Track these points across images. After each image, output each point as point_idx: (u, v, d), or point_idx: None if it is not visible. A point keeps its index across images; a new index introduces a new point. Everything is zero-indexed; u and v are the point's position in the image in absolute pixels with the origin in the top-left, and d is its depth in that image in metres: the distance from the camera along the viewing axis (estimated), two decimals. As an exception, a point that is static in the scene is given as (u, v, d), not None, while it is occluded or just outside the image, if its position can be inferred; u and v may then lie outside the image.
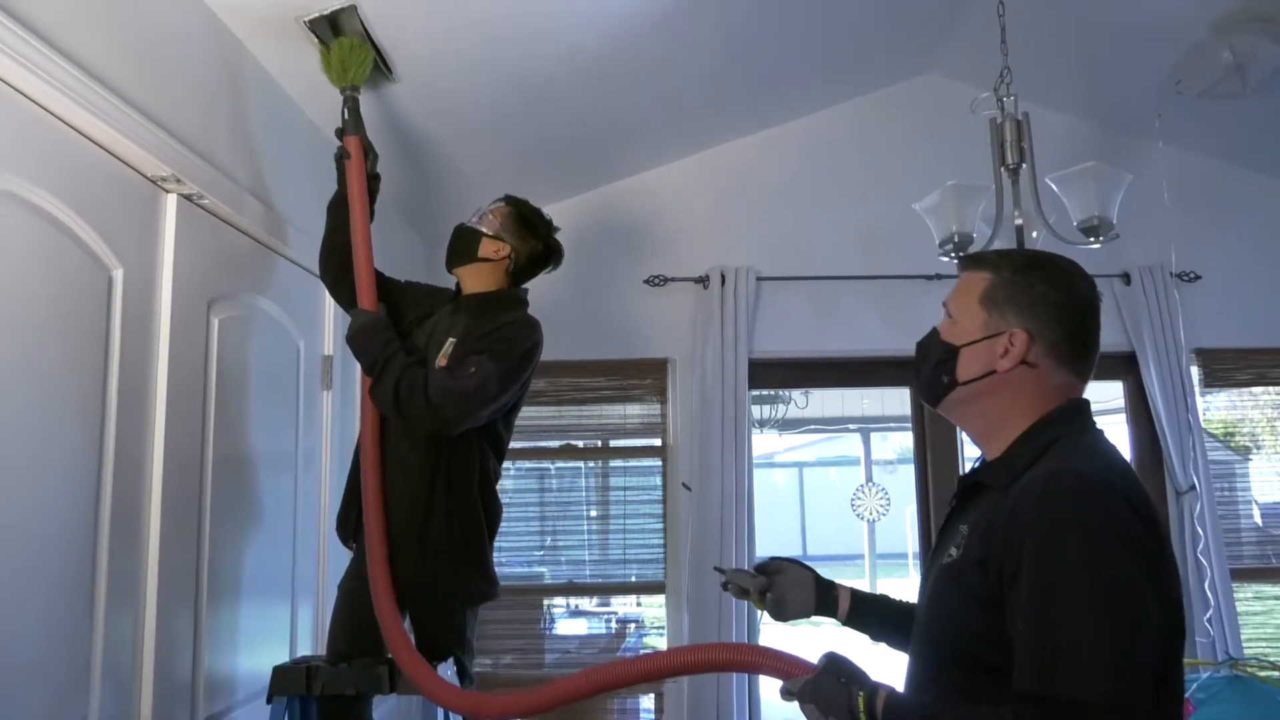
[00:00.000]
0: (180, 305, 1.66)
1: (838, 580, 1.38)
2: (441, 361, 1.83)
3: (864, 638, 1.35)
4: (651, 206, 3.50)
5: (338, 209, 2.02)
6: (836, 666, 1.05)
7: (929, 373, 1.19)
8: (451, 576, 1.80)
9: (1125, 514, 0.97)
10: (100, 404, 1.44)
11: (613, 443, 3.53)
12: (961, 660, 1.04)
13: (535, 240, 1.98)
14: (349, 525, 1.91)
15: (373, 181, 2.04)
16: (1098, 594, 0.91)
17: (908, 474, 3.71)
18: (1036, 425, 1.11)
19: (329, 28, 2.02)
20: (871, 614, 1.33)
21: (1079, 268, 1.17)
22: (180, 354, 1.66)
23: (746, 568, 1.40)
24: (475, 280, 1.98)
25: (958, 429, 3.57)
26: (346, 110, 2.00)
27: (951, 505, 1.18)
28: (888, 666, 1.20)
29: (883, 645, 1.33)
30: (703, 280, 3.37)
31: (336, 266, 2.03)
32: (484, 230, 1.95)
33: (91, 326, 1.42)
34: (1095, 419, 1.14)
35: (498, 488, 1.94)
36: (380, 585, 1.71)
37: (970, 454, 4.10)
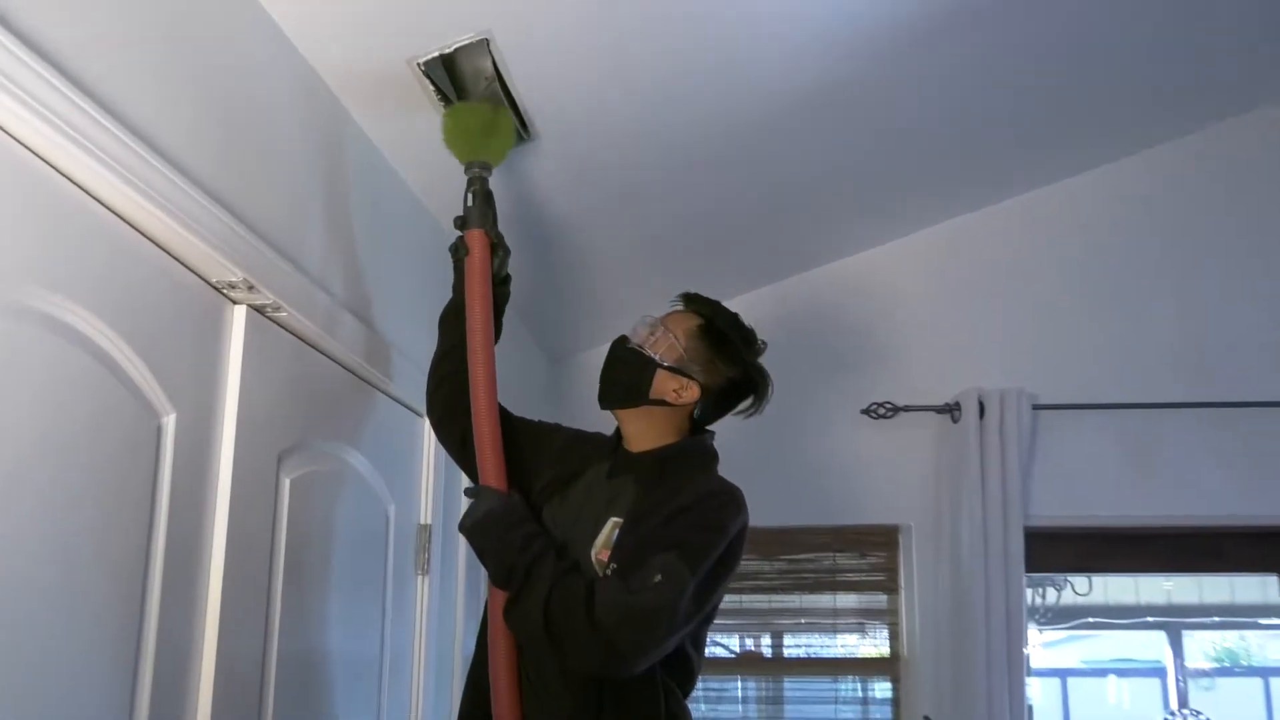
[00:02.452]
0: (245, 461, 1.64)
1: None
2: (603, 555, 1.74)
3: None
4: (868, 303, 3.45)
5: (453, 324, 1.99)
6: None
7: None
8: None
9: None
10: (140, 591, 1.41)
11: (815, 651, 3.40)
12: None
13: (734, 370, 1.91)
14: None
15: (500, 287, 2.01)
16: None
17: (1233, 690, 3.37)
18: None
19: (446, 74, 2.05)
20: None
21: None
22: (241, 526, 1.63)
23: None
24: (644, 427, 1.90)
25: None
26: (471, 194, 1.99)
27: None
28: None
29: None
30: (950, 410, 3.27)
31: (444, 402, 1.99)
32: (659, 360, 1.88)
33: (131, 489, 1.40)
34: None
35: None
36: None
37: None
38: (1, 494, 1.16)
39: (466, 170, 2.03)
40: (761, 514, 3.24)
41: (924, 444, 3.32)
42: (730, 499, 1.79)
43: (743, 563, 3.27)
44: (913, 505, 3.31)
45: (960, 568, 3.13)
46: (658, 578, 1.62)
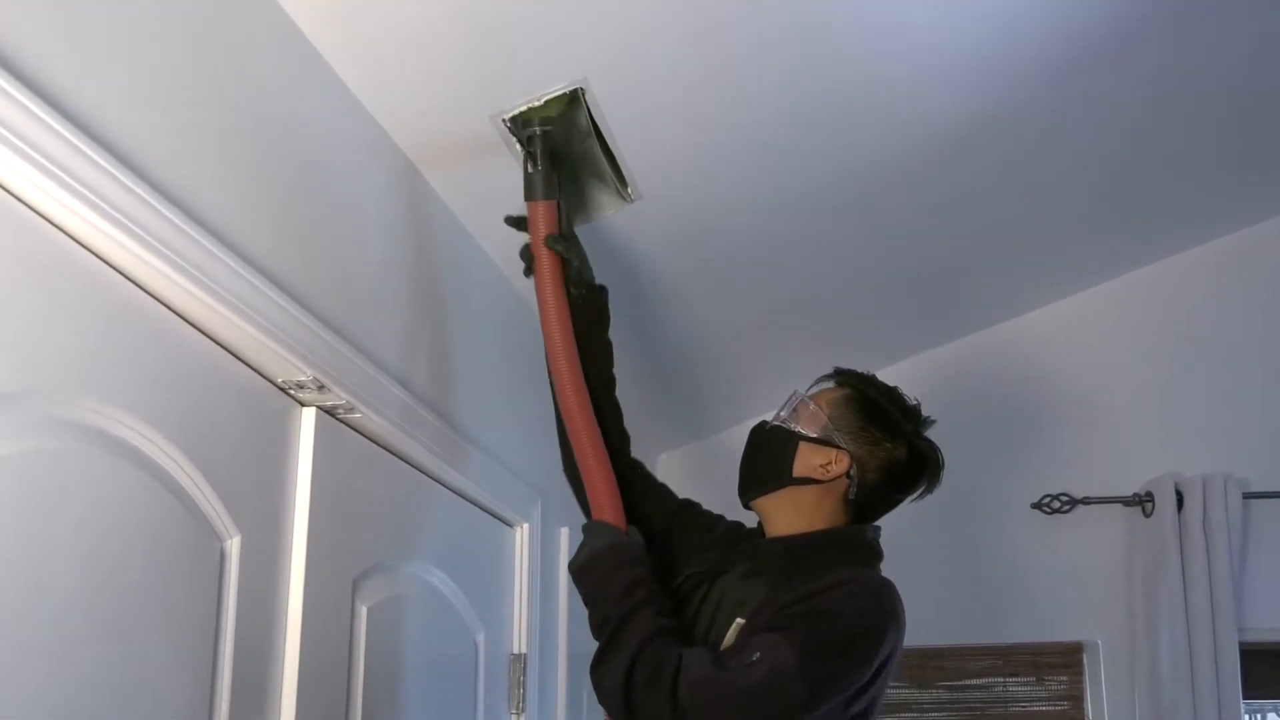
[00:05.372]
0: (317, 587, 1.67)
1: None
2: None
3: None
4: (1035, 374, 3.41)
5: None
6: None
7: None
8: None
9: None
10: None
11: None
12: None
13: (893, 442, 1.92)
14: None
15: (588, 298, 2.02)
16: None
17: None
18: None
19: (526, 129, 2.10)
20: None
21: None
22: (314, 661, 1.66)
23: None
24: (789, 513, 1.92)
25: None
26: (529, 157, 1.98)
27: None
28: None
29: None
30: (1141, 502, 3.22)
31: (574, 482, 2.04)
32: (801, 431, 1.92)
33: (193, 622, 1.42)
34: None
35: None
36: None
37: None
38: (51, 627, 1.18)
39: (520, 134, 2.02)
40: (914, 632, 3.20)
41: (1110, 544, 3.26)
42: (864, 588, 1.79)
43: (892, 691, 3.25)
44: (1099, 618, 3.24)
45: (1161, 693, 3.05)
46: (755, 656, 1.65)
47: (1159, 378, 3.35)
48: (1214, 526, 3.11)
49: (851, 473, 1.89)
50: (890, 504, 1.96)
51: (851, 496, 1.90)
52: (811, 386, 1.99)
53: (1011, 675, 3.28)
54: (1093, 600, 3.25)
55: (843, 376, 1.98)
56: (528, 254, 2.01)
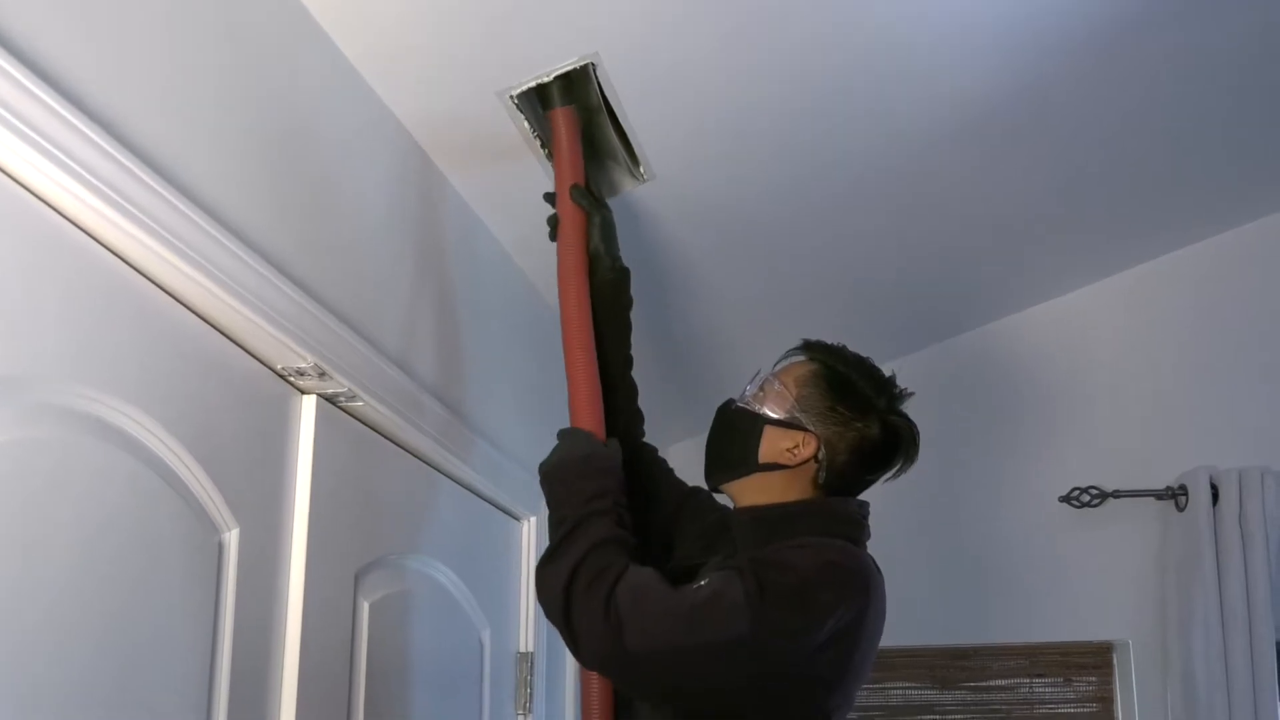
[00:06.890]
0: (318, 582, 1.68)
1: None
2: None
3: None
4: (1063, 362, 3.41)
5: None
6: None
7: None
8: None
9: None
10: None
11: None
12: None
13: (863, 421, 1.89)
14: None
15: (613, 270, 2.08)
16: None
17: None
18: None
19: (539, 105, 2.11)
20: None
21: None
22: (315, 658, 1.67)
23: None
24: (758, 499, 1.92)
25: None
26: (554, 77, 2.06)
27: None
28: None
29: None
30: (1174, 495, 3.21)
31: None
32: (766, 412, 1.90)
33: (190, 617, 1.43)
34: None
35: None
36: None
37: None
38: (44, 621, 1.19)
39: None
40: (937, 632, 3.26)
41: (1142, 539, 3.25)
42: (831, 551, 1.78)
43: (914, 692, 3.24)
44: (1130, 617, 3.24)
45: (1195, 694, 3.04)
46: (701, 582, 1.70)
47: (1193, 366, 3.34)
48: (1250, 521, 3.10)
49: (820, 455, 1.87)
50: (864, 484, 1.94)
51: (821, 482, 1.89)
52: (779, 361, 1.97)
53: (1038, 676, 3.29)
54: (1123, 598, 3.25)
55: (811, 351, 1.95)
56: (554, 219, 2.07)
